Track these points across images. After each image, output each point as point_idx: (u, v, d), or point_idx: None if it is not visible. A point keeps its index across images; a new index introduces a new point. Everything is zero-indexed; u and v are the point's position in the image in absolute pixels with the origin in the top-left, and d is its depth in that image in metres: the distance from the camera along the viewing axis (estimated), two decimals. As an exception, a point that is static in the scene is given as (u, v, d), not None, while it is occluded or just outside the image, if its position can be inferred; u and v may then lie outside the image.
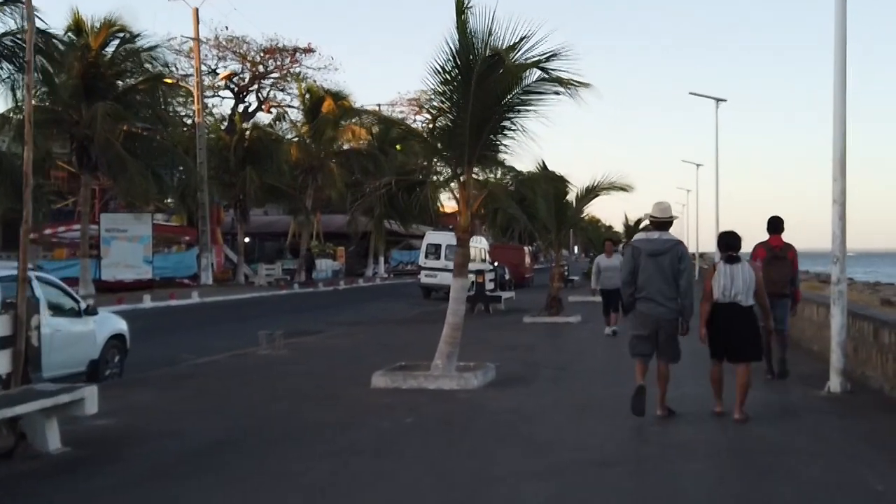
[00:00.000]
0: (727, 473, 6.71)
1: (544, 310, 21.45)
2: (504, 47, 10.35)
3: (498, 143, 11.43)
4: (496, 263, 35.48)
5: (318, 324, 21.89)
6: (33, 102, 8.93)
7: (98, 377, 11.97)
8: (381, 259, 58.60)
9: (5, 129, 29.99)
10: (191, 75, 43.38)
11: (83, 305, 12.11)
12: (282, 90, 57.17)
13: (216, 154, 42.23)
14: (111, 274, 34.16)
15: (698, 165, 50.00)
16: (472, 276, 26.64)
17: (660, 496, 6.10)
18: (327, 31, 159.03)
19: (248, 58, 54.51)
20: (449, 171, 11.92)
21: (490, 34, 10.36)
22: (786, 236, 11.33)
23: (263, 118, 53.95)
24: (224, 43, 53.26)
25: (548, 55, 10.45)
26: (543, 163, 18.75)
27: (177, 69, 48.48)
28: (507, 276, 37.22)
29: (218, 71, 52.89)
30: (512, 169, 13.83)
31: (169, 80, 38.23)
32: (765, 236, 11.36)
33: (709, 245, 39.61)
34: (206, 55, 52.47)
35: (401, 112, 55.57)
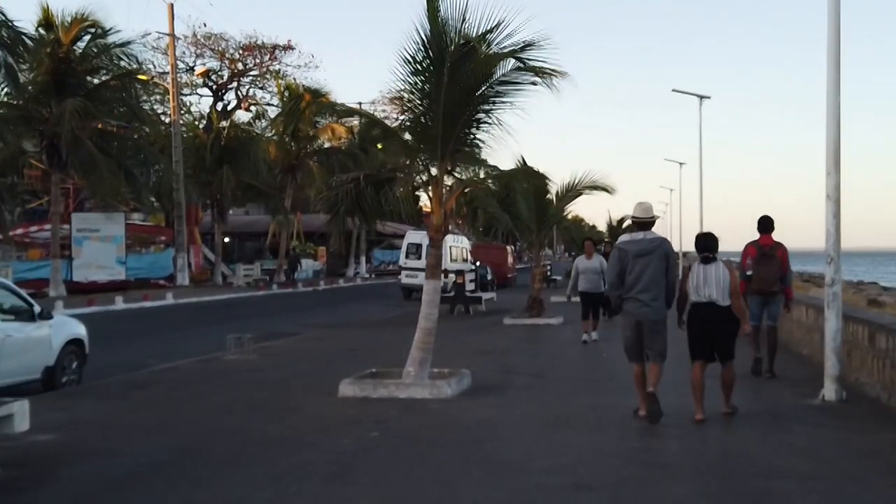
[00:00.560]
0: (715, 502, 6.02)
1: (525, 311, 20.87)
2: (478, 34, 9.72)
3: (473, 137, 10.79)
4: (478, 263, 34.93)
5: (293, 326, 21.26)
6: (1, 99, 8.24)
7: (54, 385, 11.41)
8: (363, 259, 57.96)
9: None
10: (168, 73, 42.52)
11: (37, 309, 11.42)
12: (261, 88, 56.45)
13: (192, 153, 41.45)
14: (83, 275, 33.39)
15: (681, 164, 49.42)
16: (452, 277, 26.29)
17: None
18: (307, 29, 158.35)
19: (227, 55, 53.68)
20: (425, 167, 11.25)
21: (463, 21, 9.73)
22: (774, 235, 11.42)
23: (243, 116, 53.28)
24: (202, 40, 52.43)
25: (524, 44, 9.82)
26: (523, 159, 18.08)
27: (154, 66, 47.75)
28: (489, 276, 36.64)
29: (196, 68, 52.02)
30: (495, 169, 13.29)
31: (144, 77, 37.45)
32: (751, 236, 11.47)
33: (693, 244, 39.05)
34: (183, 52, 51.70)
35: (383, 111, 55.19)
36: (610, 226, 66.94)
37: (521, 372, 12.21)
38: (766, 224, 11.40)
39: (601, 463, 6.88)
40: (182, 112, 49.65)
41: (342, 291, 41.15)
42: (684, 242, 51.38)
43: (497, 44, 9.88)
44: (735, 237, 15.36)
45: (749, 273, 11.21)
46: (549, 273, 38.60)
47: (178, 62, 50.75)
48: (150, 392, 10.83)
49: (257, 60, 54.97)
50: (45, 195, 40.35)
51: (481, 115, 10.51)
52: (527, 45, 9.84)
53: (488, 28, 9.70)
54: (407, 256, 33.30)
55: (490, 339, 17.03)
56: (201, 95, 55.29)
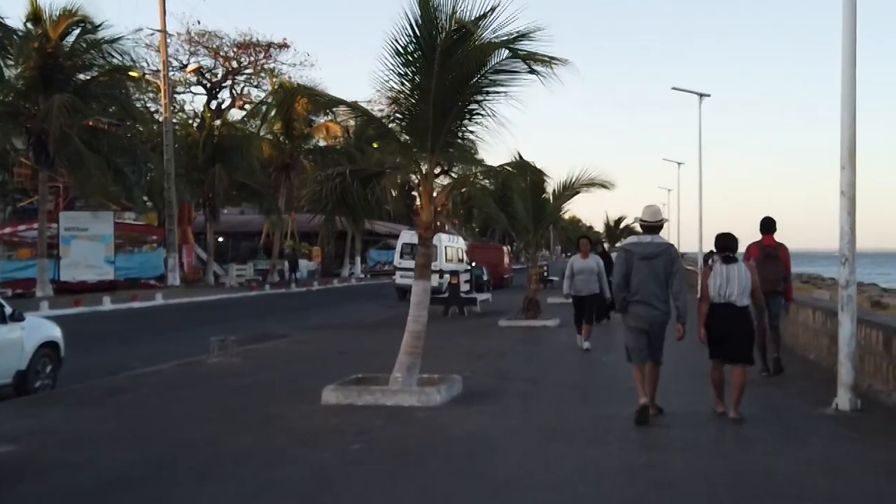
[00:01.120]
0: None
1: (521, 313, 20.31)
2: (471, 19, 9.14)
3: (466, 129, 10.21)
4: (474, 264, 34.38)
5: (283, 327, 20.70)
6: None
7: (27, 390, 10.86)
8: (358, 259, 57.38)
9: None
10: (161, 70, 41.89)
11: (8, 310, 10.87)
12: (256, 86, 55.86)
13: (185, 151, 40.84)
14: (71, 275, 32.81)
15: (679, 164, 48.86)
16: (447, 277, 25.71)
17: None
18: (305, 28, 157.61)
19: (221, 53, 53.09)
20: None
21: (455, 6, 9.15)
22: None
23: (237, 115, 52.68)
24: (196, 37, 51.86)
25: (519, 33, 9.22)
26: (519, 154, 17.42)
27: (147, 64, 47.12)
28: (485, 277, 36.12)
29: (189, 66, 51.39)
30: (490, 169, 12.76)
31: (135, 74, 36.85)
32: (750, 237, 11.57)
33: (691, 245, 38.56)
34: (177, 50, 51.17)
35: (380, 110, 54.25)
36: (607, 226, 66.44)
37: (516, 377, 11.62)
38: (768, 225, 11.53)
39: (604, 481, 6.29)
40: (175, 110, 49.11)
41: (336, 292, 40.57)
42: (683, 243, 50.73)
43: (491, 30, 9.30)
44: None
45: None
46: (545, 274, 38.00)
47: (173, 60, 50.29)
48: (126, 398, 10.24)
49: (252, 58, 54.44)
50: (35, 193, 39.76)
51: (474, 106, 9.92)
52: (522, 35, 9.26)
53: (482, 13, 9.12)
54: (402, 256, 32.73)
55: (484, 341, 16.45)
56: (195, 94, 54.83)
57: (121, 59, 32.23)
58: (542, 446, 7.41)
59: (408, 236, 33.16)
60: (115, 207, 39.40)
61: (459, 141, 10.42)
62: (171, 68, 49.01)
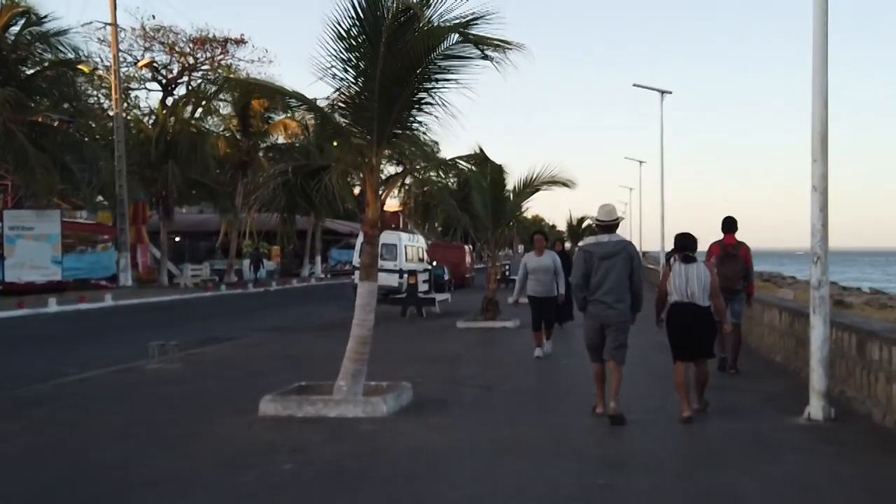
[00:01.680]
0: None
1: (480, 314, 19.67)
2: (419, 0, 8.45)
3: (414, 120, 9.52)
4: (435, 263, 33.71)
5: (236, 329, 19.88)
6: None
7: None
8: (318, 258, 56.50)
9: None
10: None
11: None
12: (213, 83, 54.58)
13: (137, 148, 39.70)
14: (16, 275, 31.64)
15: (641, 162, 48.53)
16: (406, 276, 25.00)
17: None
18: (262, 24, 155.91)
19: (177, 49, 51.87)
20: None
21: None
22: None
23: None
24: (150, 33, 50.58)
25: (473, 16, 8.55)
26: (480, 148, 16.74)
27: (101, 60, 45.84)
28: (446, 277, 35.47)
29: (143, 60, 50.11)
30: (445, 162, 12.14)
31: (85, 69, 35.72)
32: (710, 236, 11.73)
33: (653, 244, 38.26)
34: (131, 46, 49.94)
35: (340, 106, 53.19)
36: (570, 225, 66.04)
37: (471, 383, 10.94)
38: (729, 224, 11.74)
39: (559, 508, 5.61)
40: (129, 107, 47.84)
41: (294, 292, 39.68)
42: (645, 242, 50.54)
43: (440, 14, 8.60)
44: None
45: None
46: (507, 273, 37.40)
47: (127, 56, 49.09)
48: (43, 410, 9.39)
49: (209, 54, 53.27)
50: (-20, 192, 38.49)
51: (423, 95, 9.20)
52: (475, 17, 8.58)
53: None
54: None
55: (440, 344, 15.77)
56: (150, 90, 53.52)
57: (70, 52, 31.17)
58: (495, 465, 6.70)
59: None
60: (66, 206, 38.22)
61: (408, 133, 9.73)
62: (125, 64, 47.85)
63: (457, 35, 8.69)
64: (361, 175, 9.64)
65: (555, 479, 6.27)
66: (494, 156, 17.07)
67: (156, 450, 7.34)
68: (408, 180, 56.74)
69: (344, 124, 9.48)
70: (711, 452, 7.19)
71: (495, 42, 8.47)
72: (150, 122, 46.71)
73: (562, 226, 77.07)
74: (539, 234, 14.44)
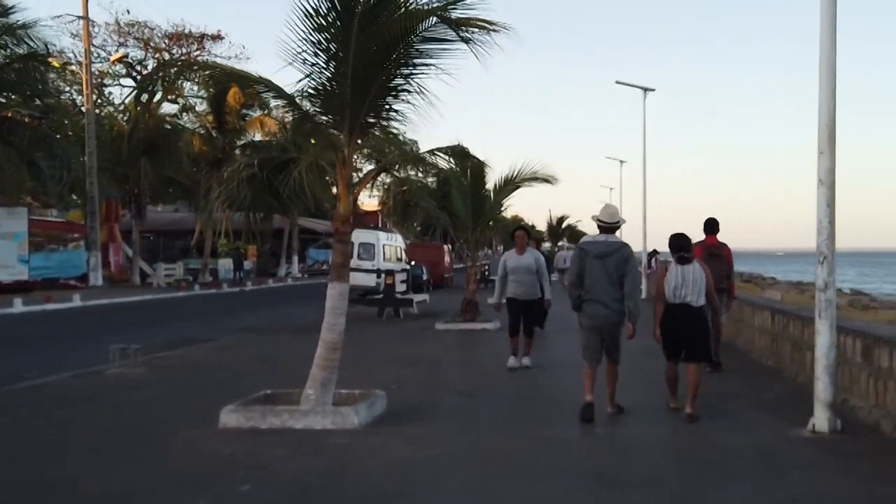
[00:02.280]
0: None
1: (459, 315, 19.05)
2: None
3: (389, 107, 8.85)
4: (413, 263, 33.07)
5: (208, 331, 19.12)
6: None
7: None
8: (295, 258, 55.73)
9: None
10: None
11: None
12: (188, 79, 53.62)
13: (109, 145, 38.74)
14: (-20, 274, 30.65)
15: (622, 162, 48.04)
16: (384, 277, 24.34)
17: None
18: (240, 20, 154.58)
19: (152, 44, 50.88)
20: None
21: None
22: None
23: (168, 108, 50.60)
24: (125, 28, 49.56)
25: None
26: (461, 144, 16.03)
27: (75, 55, 44.83)
28: (425, 277, 34.85)
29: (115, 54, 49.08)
30: (420, 155, 11.56)
31: (56, 63, 34.77)
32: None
33: (635, 243, 37.73)
34: (105, 41, 48.90)
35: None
36: (550, 224, 65.57)
37: (450, 390, 10.29)
38: (712, 225, 12.01)
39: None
40: (103, 103, 46.86)
41: (270, 292, 38.89)
42: (627, 242, 49.99)
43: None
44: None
45: None
46: (486, 273, 36.79)
47: (100, 51, 48.07)
48: (-10, 420, 8.70)
49: (184, 50, 52.30)
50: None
51: (400, 81, 8.56)
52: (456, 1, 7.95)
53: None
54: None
55: (418, 347, 15.11)
56: (124, 86, 52.48)
57: (39, 46, 30.19)
58: (477, 483, 6.06)
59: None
60: (36, 204, 37.23)
61: (383, 122, 9.08)
62: (98, 60, 46.85)
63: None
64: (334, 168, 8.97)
65: (546, 498, 5.62)
66: (475, 152, 16.37)
67: (103, 466, 6.63)
68: (387, 179, 56.15)
69: (313, 112, 8.78)
70: (714, 467, 6.58)
71: (479, 24, 7.82)
72: (125, 119, 45.73)
73: (542, 226, 76.42)
74: (521, 229, 12.90)
